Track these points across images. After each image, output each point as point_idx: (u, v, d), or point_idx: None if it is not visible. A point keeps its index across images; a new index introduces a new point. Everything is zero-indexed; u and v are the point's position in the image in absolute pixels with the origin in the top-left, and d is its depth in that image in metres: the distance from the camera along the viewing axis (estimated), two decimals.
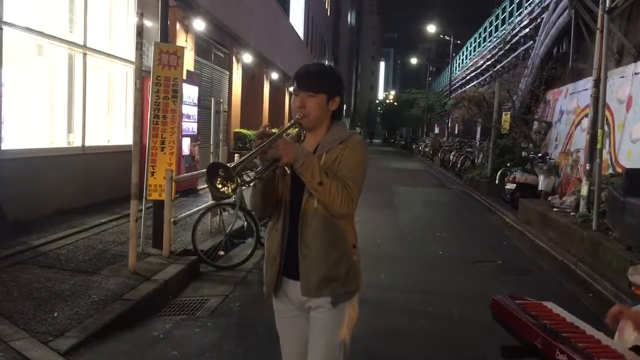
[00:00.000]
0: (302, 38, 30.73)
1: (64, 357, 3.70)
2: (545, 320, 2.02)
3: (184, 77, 7.69)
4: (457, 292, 6.07)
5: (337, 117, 2.33)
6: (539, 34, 16.38)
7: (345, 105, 2.39)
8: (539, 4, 17.29)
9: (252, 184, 2.19)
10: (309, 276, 2.22)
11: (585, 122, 10.64)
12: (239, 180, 1.98)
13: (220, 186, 1.98)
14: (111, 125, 10.10)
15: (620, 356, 1.77)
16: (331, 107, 2.27)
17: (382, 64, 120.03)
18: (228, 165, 1.98)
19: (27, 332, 3.94)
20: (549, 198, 10.37)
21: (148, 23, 8.28)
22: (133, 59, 5.92)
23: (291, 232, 2.27)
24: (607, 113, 9.03)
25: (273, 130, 2.16)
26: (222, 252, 6.75)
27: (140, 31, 5.59)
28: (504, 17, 23.77)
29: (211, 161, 8.25)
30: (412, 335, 4.73)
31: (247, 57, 17.04)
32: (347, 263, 2.26)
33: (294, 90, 2.25)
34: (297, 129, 2.33)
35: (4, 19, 6.89)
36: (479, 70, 27.98)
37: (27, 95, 7.70)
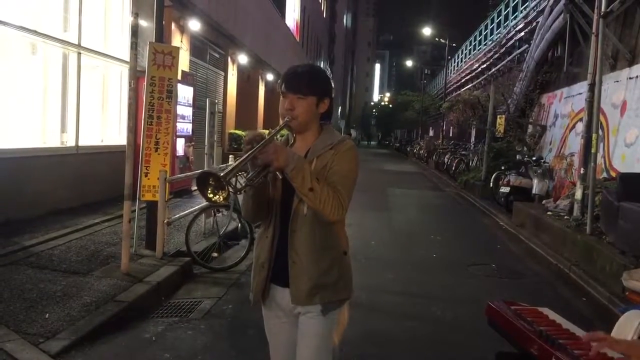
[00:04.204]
0: (298, 39, 30.72)
1: (54, 359, 3.67)
2: (541, 326, 2.00)
3: (179, 77, 7.65)
4: (451, 296, 6.06)
5: (326, 119, 2.29)
6: (534, 37, 16.43)
7: (334, 107, 2.34)
8: (535, 8, 17.34)
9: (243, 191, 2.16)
10: (299, 284, 2.18)
11: (580, 126, 10.67)
12: (230, 189, 1.93)
13: (211, 195, 1.94)
14: (105, 125, 10.04)
15: None
16: (321, 109, 2.23)
17: (378, 66, 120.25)
18: (219, 174, 1.93)
19: (18, 334, 3.90)
20: (543, 202, 10.39)
21: (143, 23, 8.25)
22: (128, 58, 5.89)
23: (281, 238, 2.23)
24: (601, 117, 9.06)
25: (263, 134, 2.11)
26: (215, 254, 6.72)
27: (135, 31, 5.55)
28: (500, 20, 23.85)
29: (205, 162, 8.23)
30: (406, 339, 4.71)
31: (243, 58, 17.01)
32: (338, 270, 2.23)
33: (282, 92, 2.20)
34: (285, 133, 2.30)
35: None
36: (474, 74, 28.04)
37: (20, 95, 7.64)
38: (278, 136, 2.17)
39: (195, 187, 11.03)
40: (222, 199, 1.93)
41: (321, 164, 2.16)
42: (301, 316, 2.24)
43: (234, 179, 1.98)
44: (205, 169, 2.28)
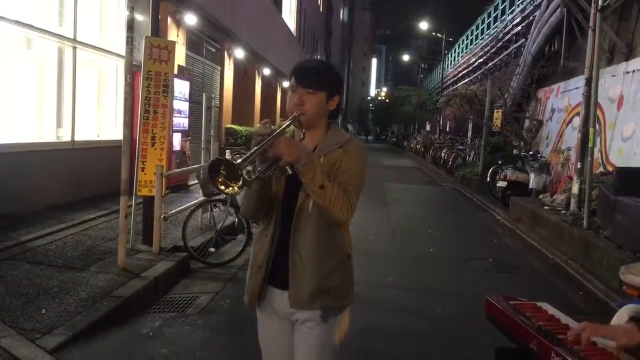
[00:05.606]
0: (294, 34, 30.64)
1: (51, 355, 3.65)
2: (540, 321, 1.99)
3: (175, 72, 7.62)
4: (449, 290, 6.06)
5: (333, 117, 2.20)
6: (531, 31, 16.41)
7: (341, 105, 2.26)
8: (531, 2, 17.32)
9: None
10: (300, 287, 2.07)
11: (577, 121, 10.68)
12: (245, 179, 1.79)
13: (223, 187, 1.80)
14: (101, 120, 10.00)
15: (617, 355, 1.75)
16: (330, 106, 2.14)
17: (374, 61, 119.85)
18: (234, 161, 1.79)
19: (14, 330, 3.89)
20: (540, 196, 10.40)
21: (139, 17, 8.21)
22: (124, 53, 5.85)
23: (282, 237, 2.12)
24: (598, 112, 9.06)
25: (273, 127, 2.01)
26: (212, 249, 6.71)
27: (130, 25, 5.52)
28: (496, 14, 23.82)
29: (202, 157, 8.20)
30: (405, 333, 4.71)
31: (239, 53, 16.96)
32: (341, 274, 2.12)
33: (291, 85, 2.10)
34: (291, 128, 2.19)
35: None
36: (470, 68, 28.02)
37: (15, 89, 7.60)
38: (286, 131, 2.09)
39: (192, 183, 10.98)
40: (236, 189, 1.80)
41: (329, 162, 2.07)
42: (299, 325, 2.13)
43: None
44: (217, 156, 2.09)
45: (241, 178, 1.78)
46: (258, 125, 2.03)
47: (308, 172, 1.92)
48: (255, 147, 1.87)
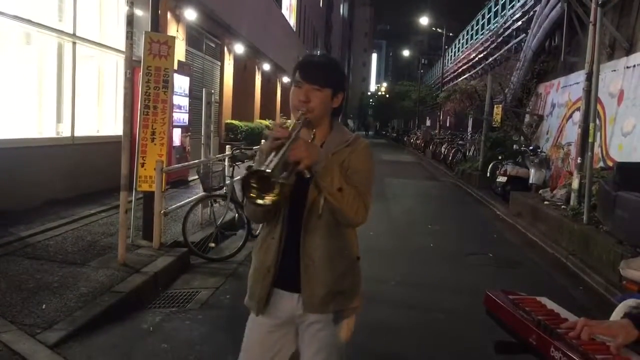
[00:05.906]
0: (295, 29, 30.59)
1: (51, 350, 3.66)
2: (539, 316, 1.99)
3: (175, 67, 7.61)
4: (449, 285, 6.07)
5: (335, 116, 2.14)
6: (532, 26, 16.38)
7: (345, 103, 2.20)
8: None
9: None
10: (313, 290, 2.01)
11: (577, 116, 10.66)
12: (280, 188, 1.70)
13: (259, 200, 1.73)
14: (101, 115, 9.99)
15: (616, 354, 1.75)
16: (335, 103, 2.06)
17: (374, 56, 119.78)
18: (264, 173, 1.69)
19: (15, 325, 3.89)
20: (540, 191, 10.40)
21: (139, 12, 8.20)
22: (123, 48, 5.84)
23: (289, 239, 2.05)
24: (598, 106, 9.04)
25: (286, 125, 1.93)
26: (212, 244, 6.71)
27: (130, 20, 5.51)
28: (497, 9, 23.78)
29: (202, 152, 8.20)
30: (405, 328, 4.72)
31: (239, 48, 16.95)
32: (352, 276, 2.12)
33: (296, 81, 2.01)
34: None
35: None
36: (471, 63, 27.98)
37: (15, 85, 7.59)
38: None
39: (192, 178, 10.98)
40: (274, 198, 1.72)
41: (337, 161, 1.99)
42: (307, 325, 2.09)
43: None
44: (246, 172, 1.95)
45: (276, 187, 1.71)
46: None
47: (327, 175, 1.87)
48: (281, 153, 1.78)
